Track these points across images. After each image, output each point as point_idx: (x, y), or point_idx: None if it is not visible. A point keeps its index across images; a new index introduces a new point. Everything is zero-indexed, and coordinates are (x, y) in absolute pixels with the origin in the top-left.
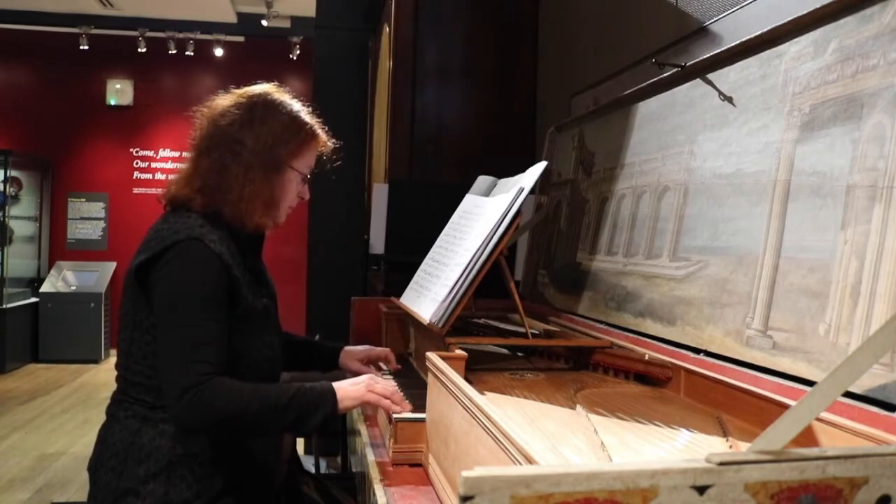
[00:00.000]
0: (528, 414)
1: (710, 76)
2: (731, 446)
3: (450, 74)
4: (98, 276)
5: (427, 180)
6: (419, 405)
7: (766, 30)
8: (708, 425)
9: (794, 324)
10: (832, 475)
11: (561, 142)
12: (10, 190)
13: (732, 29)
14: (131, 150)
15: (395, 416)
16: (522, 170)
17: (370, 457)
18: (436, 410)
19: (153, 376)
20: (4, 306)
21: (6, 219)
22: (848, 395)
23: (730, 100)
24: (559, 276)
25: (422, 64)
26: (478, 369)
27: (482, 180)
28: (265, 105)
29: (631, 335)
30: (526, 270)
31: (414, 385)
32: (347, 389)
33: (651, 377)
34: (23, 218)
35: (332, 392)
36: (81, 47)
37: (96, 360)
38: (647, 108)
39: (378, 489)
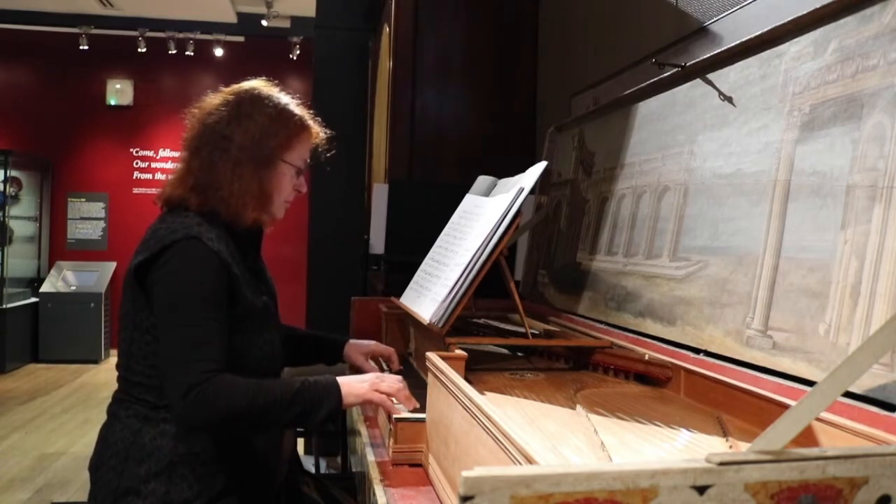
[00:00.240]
0: (528, 414)
1: (710, 76)
2: (731, 446)
3: (450, 74)
4: (98, 276)
5: (427, 180)
6: (419, 405)
7: (766, 30)
8: (708, 425)
9: (794, 324)
10: (832, 475)
11: (561, 142)
12: (10, 190)
13: (732, 29)
14: (131, 150)
15: (395, 416)
16: (522, 170)
17: (370, 457)
18: (436, 410)
19: (154, 376)
20: (4, 306)
21: (6, 219)
22: (848, 395)
23: (730, 100)
24: (559, 276)
25: (422, 64)
26: (478, 369)
27: (482, 180)
28: (251, 100)
29: (631, 335)
30: (526, 270)
31: (414, 385)
32: (352, 385)
33: (651, 377)
34: (23, 218)
35: (337, 387)
36: (81, 47)
37: (96, 361)
38: (647, 108)
39: (378, 489)
